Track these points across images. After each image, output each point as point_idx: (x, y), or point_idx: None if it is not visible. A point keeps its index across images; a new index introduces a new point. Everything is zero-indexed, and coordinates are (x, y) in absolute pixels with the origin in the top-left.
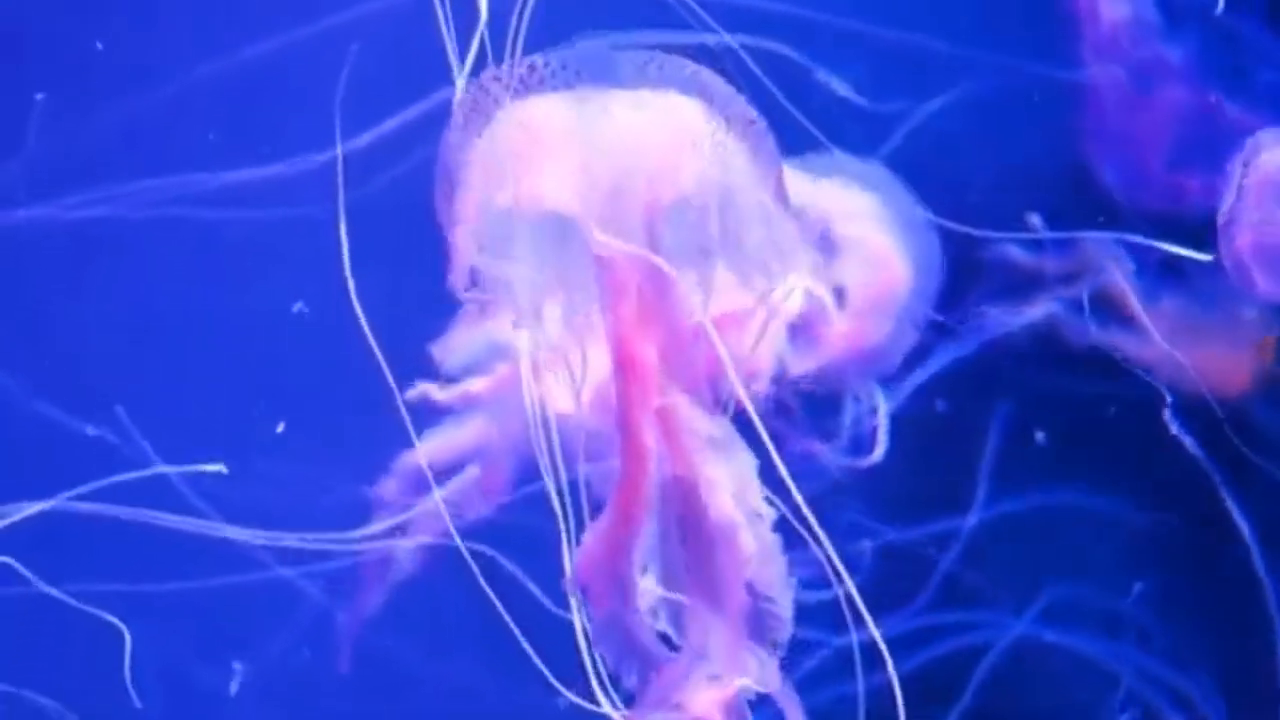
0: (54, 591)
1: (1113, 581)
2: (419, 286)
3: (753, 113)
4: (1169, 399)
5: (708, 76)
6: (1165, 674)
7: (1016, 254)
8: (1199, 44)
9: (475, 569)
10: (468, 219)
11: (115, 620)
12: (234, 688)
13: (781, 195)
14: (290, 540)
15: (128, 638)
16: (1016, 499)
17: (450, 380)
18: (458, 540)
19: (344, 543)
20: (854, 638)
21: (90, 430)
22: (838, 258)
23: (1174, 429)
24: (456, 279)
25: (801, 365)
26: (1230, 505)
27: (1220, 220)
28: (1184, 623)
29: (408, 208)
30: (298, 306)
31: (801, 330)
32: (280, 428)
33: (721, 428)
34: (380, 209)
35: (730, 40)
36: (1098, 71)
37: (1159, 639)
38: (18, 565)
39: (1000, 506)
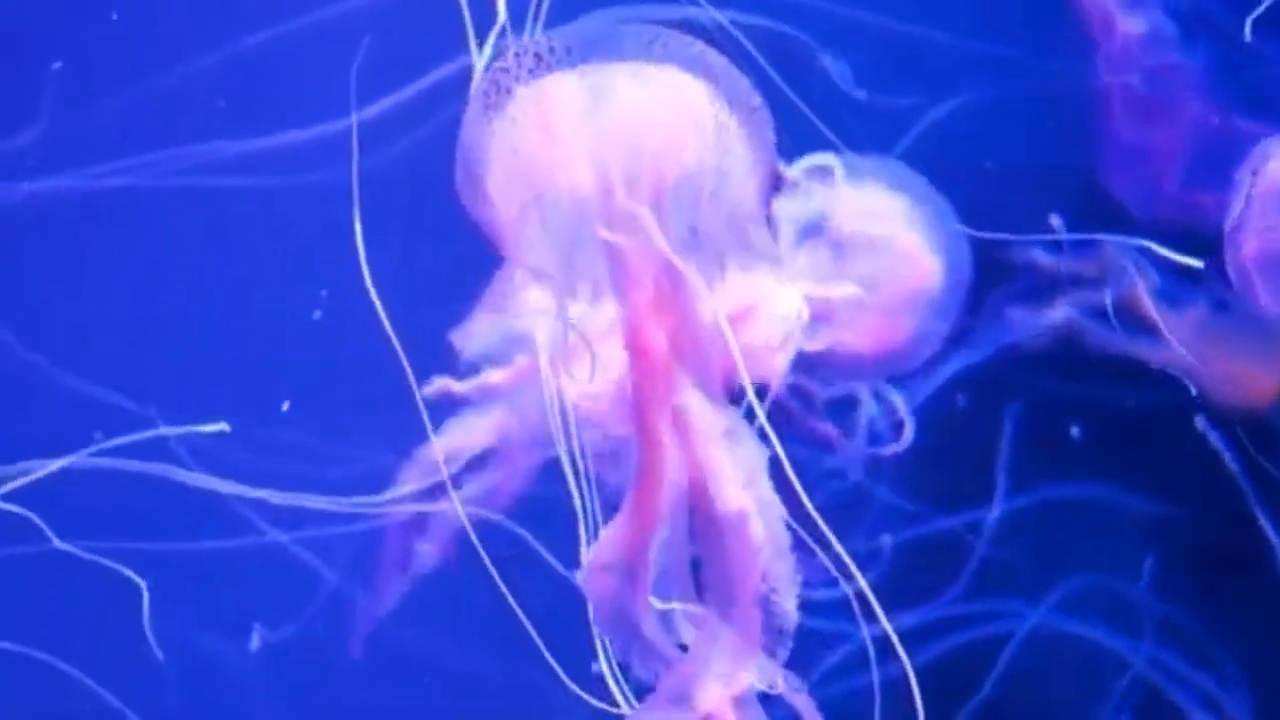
0: (72, 548)
1: (1132, 578)
2: (433, 256)
3: (756, 98)
4: (1193, 392)
5: (713, 57)
6: (1191, 673)
7: (1039, 256)
8: (1215, 58)
9: (487, 561)
10: (492, 206)
11: (133, 575)
12: (255, 643)
13: (768, 188)
14: (311, 501)
15: (145, 593)
16: (1035, 494)
17: (469, 369)
18: (472, 534)
19: (365, 507)
20: (865, 631)
21: (105, 397)
22: (861, 256)
23: (1208, 435)
24: (511, 268)
25: (818, 344)
26: (1253, 505)
27: (1228, 228)
28: (1208, 622)
29: (423, 177)
30: (317, 315)
31: (821, 318)
32: (285, 406)
33: (732, 419)
34: (395, 178)
35: (726, 22)
36: (1112, 84)
37: (1183, 638)
38: (36, 519)
39: (1017, 502)
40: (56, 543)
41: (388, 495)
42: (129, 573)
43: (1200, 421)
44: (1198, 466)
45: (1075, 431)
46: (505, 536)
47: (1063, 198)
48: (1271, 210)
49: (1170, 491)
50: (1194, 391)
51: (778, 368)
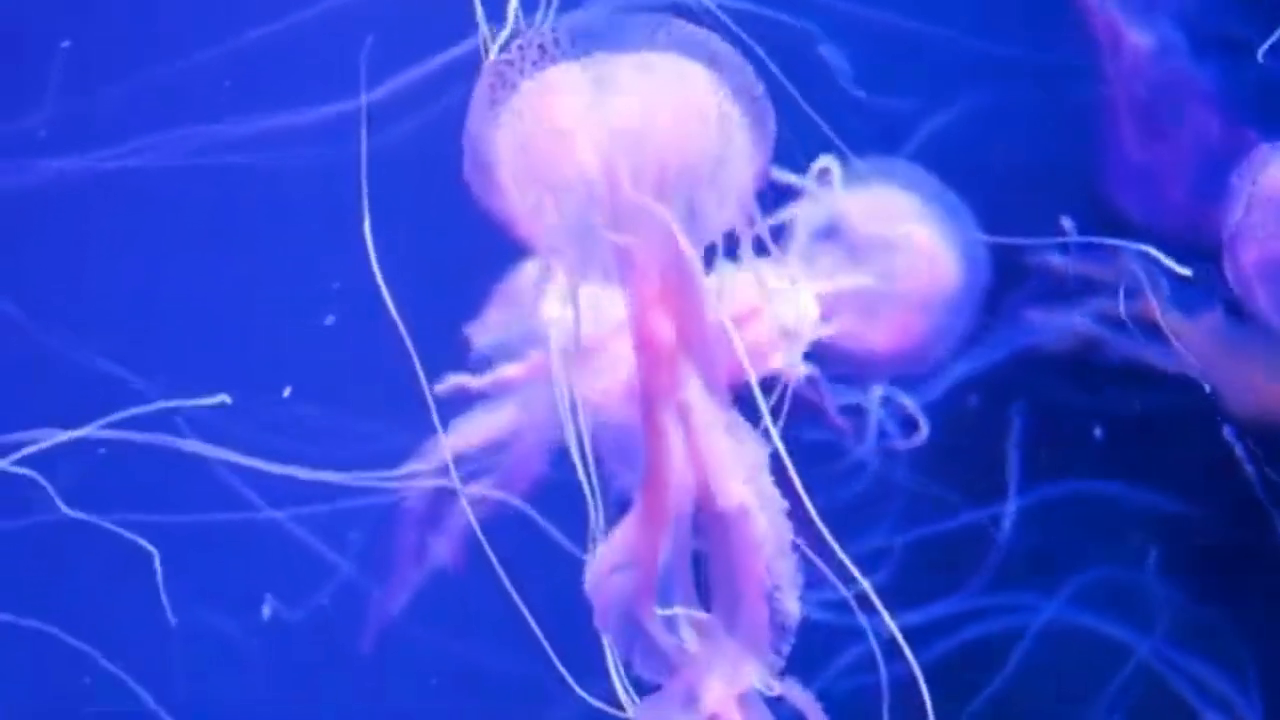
0: (82, 515)
1: (1144, 575)
2: (445, 236)
3: (759, 88)
4: (1207, 390)
5: (718, 46)
6: (1203, 670)
7: (1051, 259)
8: (1224, 70)
9: (495, 561)
10: (503, 196)
11: (147, 545)
12: (266, 612)
13: (760, 178)
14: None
15: (157, 560)
16: (1045, 492)
17: (483, 363)
18: (480, 533)
19: (381, 482)
20: (870, 629)
21: (114, 374)
22: (878, 256)
23: (1233, 445)
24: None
25: (834, 338)
26: (1269, 508)
27: (1226, 235)
28: (1220, 620)
29: (434, 157)
30: (330, 320)
31: (838, 316)
32: (286, 392)
33: (734, 415)
34: (406, 158)
35: (714, 8)
36: (1119, 96)
37: (1195, 635)
38: (43, 482)
39: (1028, 500)
40: (64, 509)
41: (402, 470)
42: (144, 542)
43: (1228, 432)
44: (1211, 466)
45: (1095, 432)
46: (513, 532)
47: (1073, 200)
48: (1271, 217)
49: (1183, 490)
50: (1208, 390)
51: (789, 365)
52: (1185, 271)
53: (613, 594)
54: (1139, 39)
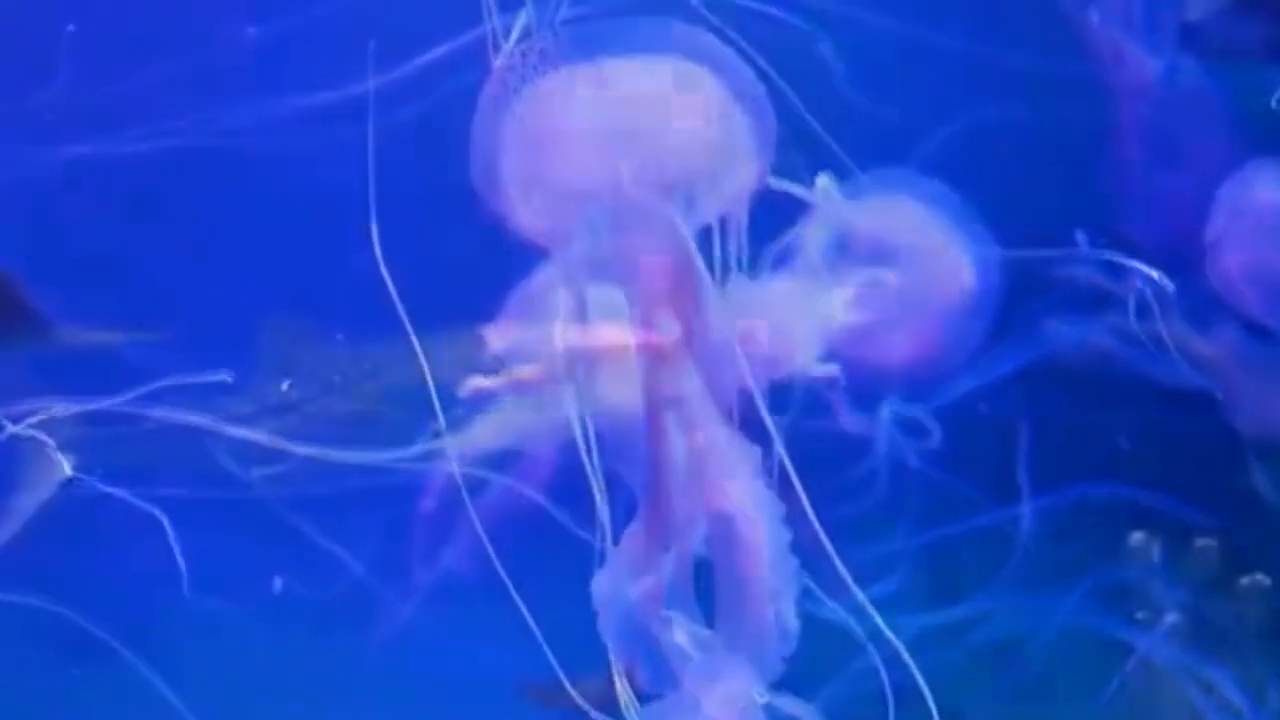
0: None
1: (1154, 579)
2: (450, 238)
3: (760, 88)
4: (1219, 397)
5: (719, 48)
6: (1210, 671)
7: (1066, 271)
8: (1225, 93)
9: (497, 562)
10: (510, 201)
11: (156, 511)
12: (277, 585)
13: (762, 178)
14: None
15: (172, 537)
16: (1054, 498)
17: (497, 363)
18: (483, 536)
19: (400, 461)
20: (858, 626)
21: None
22: (891, 265)
23: (1247, 452)
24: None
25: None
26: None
27: (1209, 239)
28: (1228, 620)
29: (439, 153)
30: (339, 337)
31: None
32: (286, 385)
33: (739, 418)
34: (410, 153)
35: (739, 39)
36: (1123, 116)
37: (1202, 636)
38: (59, 456)
39: (1039, 504)
40: (68, 471)
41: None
42: (158, 512)
43: (1251, 454)
44: (1223, 473)
45: (1110, 440)
46: (517, 533)
47: (1080, 215)
48: (1258, 224)
49: (1192, 495)
50: (1219, 399)
51: (801, 369)
52: (1168, 284)
53: (618, 600)
54: (1142, 61)
